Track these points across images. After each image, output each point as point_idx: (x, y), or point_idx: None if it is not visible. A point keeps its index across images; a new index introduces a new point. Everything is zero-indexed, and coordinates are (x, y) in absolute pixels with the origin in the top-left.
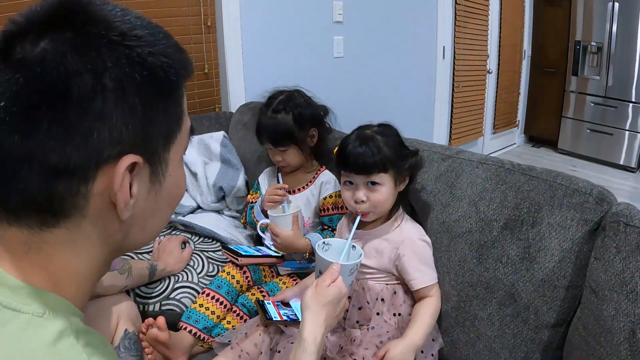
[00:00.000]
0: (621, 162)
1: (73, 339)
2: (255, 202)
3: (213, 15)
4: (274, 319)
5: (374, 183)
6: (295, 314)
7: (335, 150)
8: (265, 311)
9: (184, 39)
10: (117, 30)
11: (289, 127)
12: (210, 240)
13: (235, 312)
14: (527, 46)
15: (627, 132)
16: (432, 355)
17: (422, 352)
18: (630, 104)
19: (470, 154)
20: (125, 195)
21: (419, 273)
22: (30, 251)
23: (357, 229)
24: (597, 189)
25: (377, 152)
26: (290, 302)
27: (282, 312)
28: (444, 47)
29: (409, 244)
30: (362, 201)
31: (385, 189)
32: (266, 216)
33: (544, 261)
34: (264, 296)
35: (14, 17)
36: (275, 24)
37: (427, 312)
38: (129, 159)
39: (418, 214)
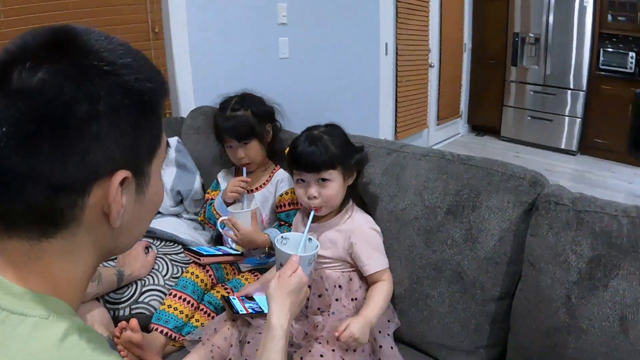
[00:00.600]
0: (562, 147)
1: (77, 337)
2: (215, 198)
3: (160, 22)
4: (240, 312)
5: (324, 180)
6: (260, 307)
7: (286, 151)
8: (231, 306)
9: (132, 45)
10: (106, 61)
11: (250, 122)
12: (172, 244)
13: (202, 310)
14: (467, 39)
15: (566, 118)
16: (389, 335)
17: (379, 332)
18: (569, 91)
19: (414, 148)
20: (118, 205)
21: (371, 260)
22: (30, 261)
23: (311, 222)
24: (531, 174)
25: (325, 151)
26: (254, 296)
27: (247, 305)
28: (386, 43)
29: (360, 233)
30: (315, 197)
31: (335, 184)
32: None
33: (486, 241)
34: (228, 293)
35: (7, 47)
36: (221, 28)
37: (380, 293)
38: (121, 174)
39: (367, 205)
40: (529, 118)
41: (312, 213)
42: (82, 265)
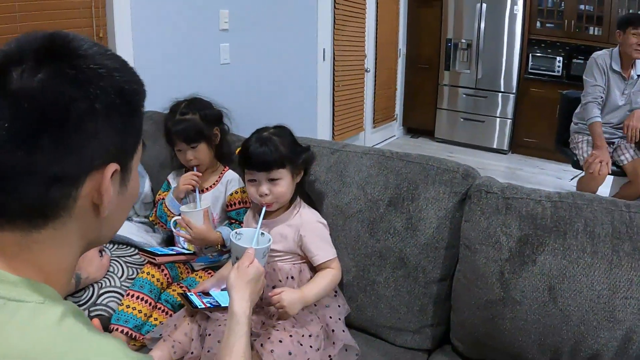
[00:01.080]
0: (494, 146)
1: (73, 319)
2: (166, 198)
3: (105, 27)
4: (199, 307)
5: (274, 179)
6: (217, 301)
7: (237, 151)
8: (189, 302)
9: None
10: (101, 64)
11: (199, 125)
12: (125, 246)
13: (160, 308)
14: (402, 45)
15: (497, 119)
16: (340, 319)
17: (330, 317)
18: (499, 94)
19: (355, 147)
20: (108, 196)
21: (320, 250)
22: (22, 251)
23: (263, 218)
24: (463, 167)
25: (275, 151)
26: (210, 292)
27: (204, 300)
28: (324, 49)
29: (308, 226)
30: (266, 194)
31: (284, 182)
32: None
33: (425, 228)
34: (184, 290)
35: (3, 49)
36: (165, 34)
37: (323, 278)
38: (112, 167)
39: (314, 201)
40: (462, 120)
41: (263, 210)
42: (69, 254)
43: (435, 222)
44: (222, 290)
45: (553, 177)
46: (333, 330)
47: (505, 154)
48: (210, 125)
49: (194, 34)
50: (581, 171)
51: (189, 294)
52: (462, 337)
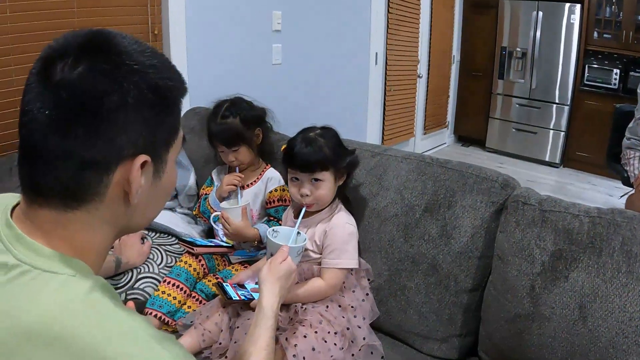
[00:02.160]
0: (546, 159)
1: (100, 292)
2: (209, 194)
3: (160, 24)
4: (233, 298)
5: (317, 180)
6: (251, 294)
7: (282, 148)
8: (224, 292)
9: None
10: (136, 60)
11: (238, 129)
12: (166, 235)
13: (194, 297)
14: (456, 52)
15: (551, 131)
16: (365, 320)
17: (356, 317)
18: (554, 105)
19: (396, 151)
20: (137, 184)
21: (330, 254)
22: (57, 228)
23: (302, 218)
24: (503, 177)
25: (319, 152)
26: (244, 284)
27: (239, 292)
28: (376, 53)
29: (335, 227)
30: (307, 195)
31: (326, 184)
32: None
33: (459, 237)
34: (219, 280)
35: (51, 44)
36: (218, 33)
37: (310, 287)
38: (142, 158)
39: (351, 203)
40: (514, 130)
41: (303, 209)
42: (102, 236)
43: (470, 231)
44: (256, 283)
45: (604, 194)
46: (359, 329)
47: (556, 167)
48: (251, 128)
49: (247, 34)
50: (631, 189)
51: (224, 284)
52: (489, 350)
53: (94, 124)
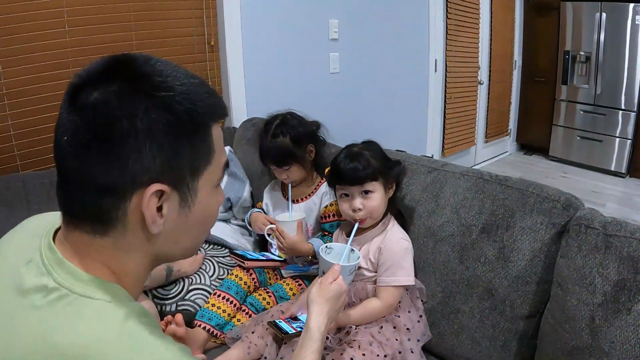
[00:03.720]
0: (612, 168)
1: (137, 320)
2: (259, 208)
3: (216, 35)
4: (289, 332)
5: (367, 192)
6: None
7: (327, 171)
8: (279, 328)
9: (188, 57)
10: (152, 84)
11: (289, 148)
12: (219, 247)
13: (244, 310)
14: (517, 56)
15: (617, 139)
16: (418, 342)
17: (409, 340)
18: (620, 111)
19: (454, 167)
20: (152, 214)
21: (386, 272)
22: (92, 252)
23: (354, 235)
24: (565, 196)
25: (367, 164)
26: (298, 316)
27: (294, 325)
28: (435, 60)
29: (389, 243)
30: (359, 209)
31: (377, 195)
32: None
33: (517, 260)
34: (270, 297)
35: (79, 72)
36: (274, 43)
37: (365, 309)
38: (155, 187)
39: (407, 221)
40: (578, 138)
41: (356, 225)
42: (136, 262)
43: (529, 255)
44: None
45: None
46: (411, 354)
47: (622, 177)
48: (302, 145)
49: (304, 42)
50: None
51: (277, 321)
52: None
53: (106, 149)
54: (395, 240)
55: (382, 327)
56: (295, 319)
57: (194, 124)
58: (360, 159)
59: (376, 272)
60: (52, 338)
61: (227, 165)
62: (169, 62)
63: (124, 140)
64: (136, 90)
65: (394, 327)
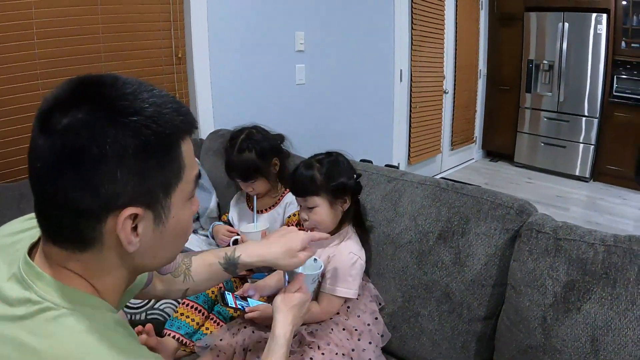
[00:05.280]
0: (576, 173)
1: (115, 330)
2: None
3: (183, 48)
4: (229, 305)
5: (310, 207)
6: (248, 305)
7: None
8: (223, 299)
9: (156, 69)
10: (119, 109)
11: (255, 163)
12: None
13: (212, 319)
14: (482, 66)
15: (580, 145)
16: (371, 344)
17: (370, 342)
18: (583, 118)
19: (412, 176)
20: (127, 235)
21: (329, 280)
22: (72, 265)
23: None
24: (518, 203)
25: (310, 178)
26: (247, 298)
27: (237, 302)
28: (401, 70)
29: (339, 255)
30: (305, 220)
31: (321, 210)
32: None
33: (473, 264)
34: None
35: (46, 96)
36: (241, 55)
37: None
38: (128, 211)
39: (367, 230)
40: (543, 144)
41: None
42: (115, 276)
43: (483, 259)
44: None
45: (635, 209)
46: (364, 352)
47: (586, 181)
48: (267, 160)
49: (270, 54)
50: None
51: (226, 293)
52: None
53: (77, 175)
54: (345, 253)
55: (332, 329)
56: (244, 299)
57: (163, 145)
58: (308, 171)
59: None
60: (39, 350)
61: (199, 176)
62: (137, 82)
63: (95, 166)
64: (103, 116)
65: (344, 329)
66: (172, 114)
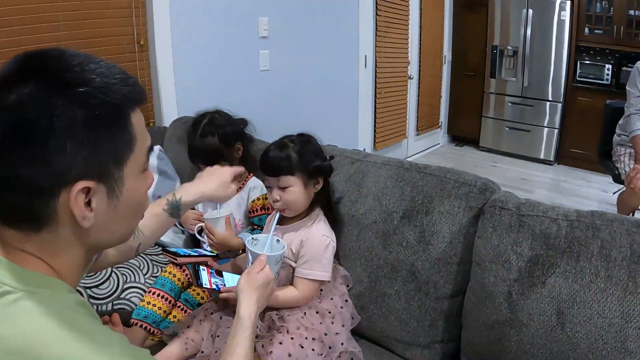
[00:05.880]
0: (541, 157)
1: (75, 310)
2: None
3: (145, 35)
4: (204, 285)
5: (283, 186)
6: (225, 284)
7: None
8: (198, 277)
9: (118, 57)
10: (66, 80)
11: (217, 148)
12: (152, 245)
13: (179, 307)
14: (447, 52)
15: (545, 129)
16: (344, 326)
17: (334, 323)
18: (547, 103)
19: (376, 157)
20: (80, 210)
21: (304, 264)
22: (28, 247)
23: (278, 224)
24: (482, 181)
25: (286, 157)
26: (223, 273)
27: (213, 280)
28: (365, 56)
29: (311, 239)
30: (276, 200)
31: (294, 190)
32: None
33: (437, 243)
34: (203, 291)
35: None
36: (204, 41)
37: (285, 294)
38: (80, 184)
39: (335, 212)
40: (508, 129)
41: (277, 215)
42: (72, 254)
43: (448, 237)
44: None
45: (598, 191)
46: (337, 336)
47: (551, 164)
48: (230, 144)
49: (233, 41)
50: (623, 185)
51: (201, 268)
52: (471, 356)
53: (27, 150)
54: (318, 236)
55: (305, 313)
56: (219, 274)
57: (112, 116)
58: (283, 151)
59: (292, 260)
60: None
61: (151, 148)
62: (84, 55)
63: (44, 140)
64: (50, 88)
65: (317, 313)
66: (119, 85)
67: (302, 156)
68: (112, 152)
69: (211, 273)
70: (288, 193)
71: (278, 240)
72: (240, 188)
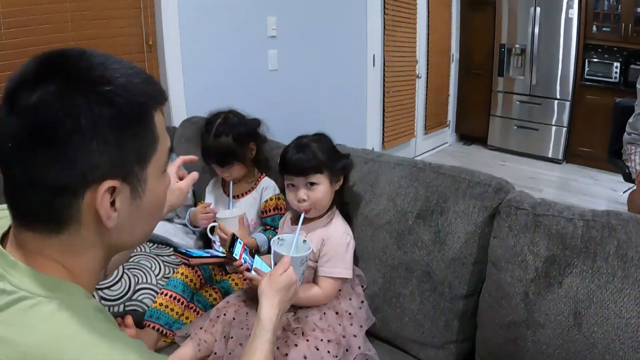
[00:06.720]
0: (549, 155)
1: (93, 316)
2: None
3: (154, 35)
4: (234, 255)
5: (312, 183)
6: (251, 264)
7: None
8: (232, 245)
9: (126, 57)
10: (90, 79)
11: (231, 148)
12: (164, 246)
13: (192, 308)
14: (455, 50)
15: (553, 127)
16: (361, 328)
17: (351, 325)
18: (555, 101)
19: (389, 157)
20: (106, 210)
21: (326, 263)
22: (47, 252)
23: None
24: (496, 181)
25: (313, 156)
26: (256, 255)
27: (244, 256)
28: (373, 55)
29: (333, 237)
30: (304, 200)
31: (322, 187)
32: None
33: (452, 243)
34: (216, 293)
35: (12, 76)
36: (213, 41)
37: (308, 292)
38: (107, 184)
39: (349, 209)
40: (516, 127)
41: (302, 216)
42: (92, 257)
43: (463, 237)
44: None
45: (607, 189)
46: (355, 338)
47: (559, 163)
48: (244, 144)
49: (242, 40)
50: (633, 185)
51: (239, 241)
52: (485, 356)
53: (53, 151)
54: (339, 234)
55: (324, 313)
56: (252, 254)
57: (136, 115)
58: (307, 150)
59: (317, 261)
60: (15, 342)
61: (171, 149)
62: (105, 54)
63: (70, 139)
64: (75, 87)
65: (337, 313)
66: (143, 84)
67: (327, 154)
68: (137, 152)
69: (245, 249)
70: (316, 191)
71: (304, 240)
72: (252, 188)
